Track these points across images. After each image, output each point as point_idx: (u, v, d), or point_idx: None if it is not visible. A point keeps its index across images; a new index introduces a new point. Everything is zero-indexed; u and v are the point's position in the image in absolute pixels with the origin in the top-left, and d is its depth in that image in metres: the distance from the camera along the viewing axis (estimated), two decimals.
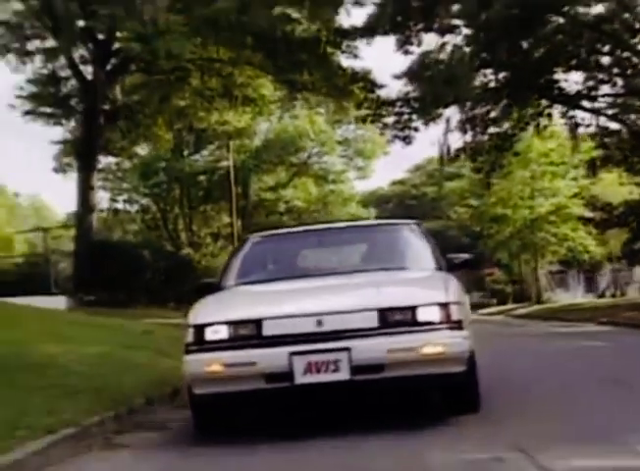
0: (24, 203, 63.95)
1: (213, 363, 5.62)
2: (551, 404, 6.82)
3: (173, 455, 5.68)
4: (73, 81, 29.10)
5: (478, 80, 27.47)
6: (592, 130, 29.58)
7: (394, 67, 51.27)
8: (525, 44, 26.53)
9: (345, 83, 27.65)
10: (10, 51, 27.71)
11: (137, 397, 7.53)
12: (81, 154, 28.44)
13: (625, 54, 26.59)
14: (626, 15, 25.22)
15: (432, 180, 57.00)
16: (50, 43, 27.44)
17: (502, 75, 27.74)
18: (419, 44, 27.09)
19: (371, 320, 5.61)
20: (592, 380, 8.38)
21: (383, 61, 32.28)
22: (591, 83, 27.94)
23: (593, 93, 28.29)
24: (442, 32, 27.17)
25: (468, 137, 29.44)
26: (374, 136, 41.45)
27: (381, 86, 28.09)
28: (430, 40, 27.36)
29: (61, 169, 38.11)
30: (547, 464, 4.49)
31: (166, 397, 8.04)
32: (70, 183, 66.85)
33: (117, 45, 27.62)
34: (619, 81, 27.68)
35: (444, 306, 5.68)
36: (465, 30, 26.79)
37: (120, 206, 45.40)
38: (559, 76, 27.86)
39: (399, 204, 63.21)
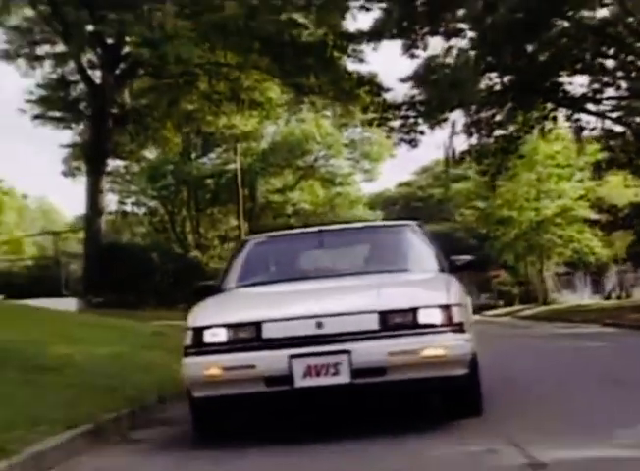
0: (32, 206, 64.15)
1: (212, 366, 5.55)
2: (549, 403, 6.95)
3: (185, 449, 5.89)
4: (82, 86, 29.43)
5: (483, 84, 27.66)
6: (597, 132, 29.77)
7: (400, 70, 51.39)
8: (530, 48, 26.71)
9: (351, 87, 27.87)
10: (20, 56, 28.14)
11: (150, 395, 7.77)
12: (91, 158, 28.72)
13: (630, 57, 26.74)
14: (630, 19, 25.38)
15: (438, 182, 57.07)
16: (59, 48, 27.84)
17: (507, 78, 27.93)
18: (425, 48, 27.33)
19: (372, 322, 5.53)
20: (592, 379, 8.50)
21: (389, 65, 32.59)
22: (596, 86, 28.11)
23: (598, 96, 28.45)
24: (447, 36, 27.38)
25: (474, 140, 29.70)
26: (380, 139, 41.64)
27: (387, 90, 28.33)
28: (436, 44, 27.61)
29: (70, 172, 38.36)
30: (536, 455, 4.71)
31: (176, 396, 8.26)
32: (78, 187, 67.20)
33: (126, 50, 27.93)
34: (624, 84, 27.84)
35: (445, 308, 5.59)
36: (471, 34, 27.02)
37: (128, 209, 45.78)
38: (563, 79, 28.07)
39: (405, 206, 63.30)
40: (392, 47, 44.94)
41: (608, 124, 29.37)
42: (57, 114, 31.08)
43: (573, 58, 27.15)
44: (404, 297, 5.84)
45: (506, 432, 5.49)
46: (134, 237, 46.09)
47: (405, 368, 5.45)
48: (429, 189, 64.24)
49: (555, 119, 29.44)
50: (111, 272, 25.66)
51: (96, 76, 28.26)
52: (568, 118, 29.56)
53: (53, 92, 30.43)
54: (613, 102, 28.82)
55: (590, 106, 29.01)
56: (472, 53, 26.77)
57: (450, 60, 27.27)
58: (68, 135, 44.47)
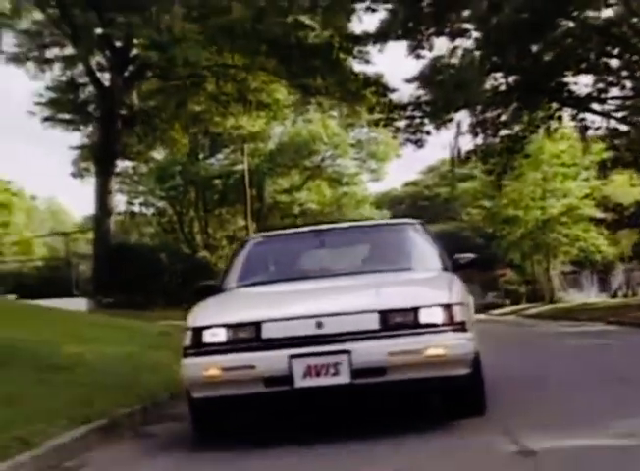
0: (41, 207, 64.49)
1: (211, 367, 5.49)
2: (549, 398, 7.11)
3: (198, 443, 6.11)
4: (90, 88, 29.76)
5: (488, 84, 27.76)
6: (602, 131, 29.89)
7: (406, 71, 51.61)
8: (535, 48, 26.84)
9: (357, 88, 28.07)
10: (29, 59, 28.45)
11: (161, 393, 8.01)
12: (100, 159, 28.99)
13: (634, 57, 26.85)
14: (635, 19, 25.50)
15: (445, 181, 57.23)
16: (68, 51, 28.15)
17: (512, 78, 28.07)
18: (430, 49, 27.42)
19: (372, 322, 5.47)
20: (595, 377, 8.62)
21: (395, 65, 32.74)
22: (600, 86, 28.20)
23: (602, 96, 28.56)
24: (453, 37, 27.52)
25: (479, 140, 29.83)
26: (387, 139, 41.82)
27: (393, 91, 28.50)
28: (441, 44, 27.75)
29: (79, 173, 38.71)
30: (528, 444, 4.92)
31: (184, 393, 8.47)
32: (86, 187, 67.59)
33: (134, 52, 28.20)
34: (629, 84, 27.92)
35: (447, 307, 5.52)
36: (476, 34, 27.16)
37: (136, 209, 46.07)
38: (568, 79, 28.15)
39: (412, 205, 63.47)
40: (397, 48, 45.12)
41: (613, 123, 29.51)
42: (66, 116, 31.41)
43: (578, 58, 27.23)
44: (405, 297, 5.78)
45: (503, 424, 5.64)
46: (143, 238, 46.37)
47: (406, 368, 5.39)
48: (435, 189, 64.40)
49: (560, 118, 29.57)
50: (120, 272, 25.90)
51: (105, 78, 28.58)
52: (573, 117, 29.67)
53: (62, 95, 30.76)
54: (618, 102, 28.93)
55: (595, 106, 29.11)
56: (477, 53, 26.92)
57: (455, 60, 27.41)
58: (77, 137, 44.81)
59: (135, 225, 47.05)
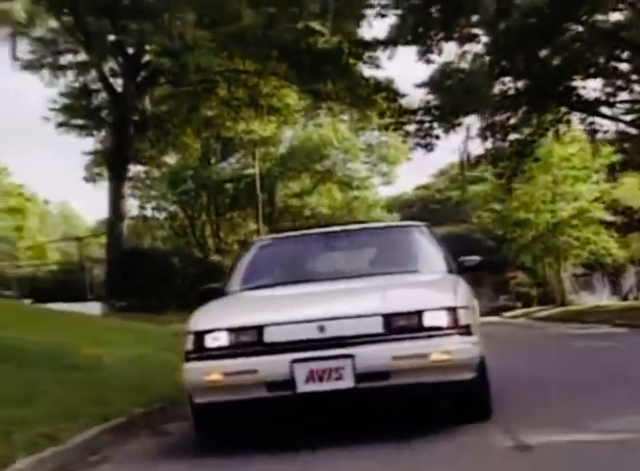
0: (53, 211, 64.89)
1: (213, 372, 5.43)
2: (551, 398, 7.31)
3: (215, 440, 6.34)
4: (103, 94, 30.06)
5: (497, 88, 28.00)
6: (611, 135, 30.04)
7: (415, 76, 51.79)
8: (543, 53, 27.00)
9: (368, 93, 28.31)
10: (44, 66, 28.75)
11: (175, 393, 8.24)
12: (112, 164, 29.28)
13: None
14: None
15: (455, 184, 57.26)
16: (82, 57, 28.43)
17: (521, 82, 28.25)
18: (440, 53, 27.68)
19: (375, 325, 5.39)
20: (600, 378, 8.76)
21: (405, 70, 32.91)
22: (609, 90, 28.36)
23: (611, 100, 28.71)
24: (462, 41, 27.74)
25: (489, 144, 30.04)
26: (397, 143, 41.96)
27: (403, 95, 28.77)
28: (450, 49, 27.97)
29: (91, 178, 39.07)
30: (524, 439, 5.12)
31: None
32: (98, 192, 68.04)
33: (146, 58, 28.51)
34: (637, 88, 28.08)
35: (451, 311, 5.43)
36: (485, 39, 27.36)
37: (149, 213, 46.38)
38: (577, 83, 28.33)
39: (422, 209, 63.53)
40: (407, 53, 45.32)
41: (622, 126, 29.65)
42: (80, 122, 31.76)
43: (587, 62, 27.38)
44: (409, 300, 5.70)
45: (503, 423, 5.79)
46: (155, 242, 46.63)
47: (411, 372, 5.31)
48: (446, 192, 64.42)
49: (569, 122, 29.75)
50: (133, 276, 26.17)
51: (118, 84, 28.86)
52: (582, 121, 29.85)
53: (76, 101, 31.11)
54: (627, 105, 29.06)
55: (604, 109, 29.27)
56: (486, 58, 27.13)
57: (464, 65, 27.63)
58: (90, 143, 45.16)
59: (148, 229, 47.34)
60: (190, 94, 29.98)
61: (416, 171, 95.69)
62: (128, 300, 25.63)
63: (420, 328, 5.38)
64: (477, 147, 30.89)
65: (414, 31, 26.86)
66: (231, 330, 5.51)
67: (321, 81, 27.69)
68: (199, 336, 5.56)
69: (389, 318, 5.41)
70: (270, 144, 42.37)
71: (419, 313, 5.42)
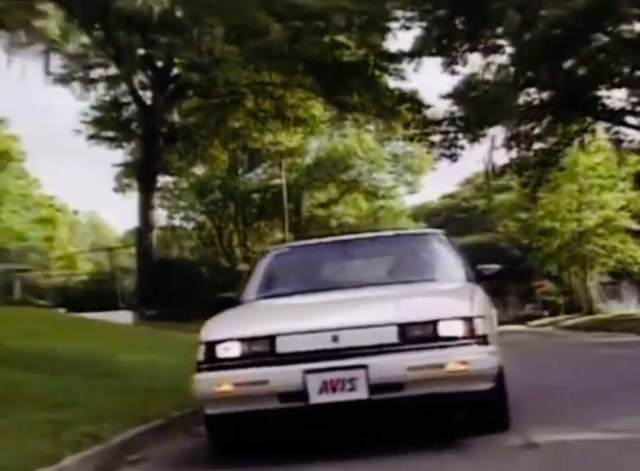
0: (82, 221, 65.73)
1: (224, 382, 5.30)
2: (565, 402, 7.53)
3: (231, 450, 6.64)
4: (133, 106, 30.70)
5: (522, 99, 28.16)
6: (637, 144, 30.06)
7: (440, 87, 51.94)
8: (568, 63, 27.13)
9: (393, 104, 28.66)
10: (75, 80, 29.38)
11: None
12: (142, 176, 29.83)
13: None
14: None
15: (481, 193, 57.34)
16: (112, 71, 29.08)
17: (545, 93, 28.39)
18: (465, 64, 27.92)
19: (390, 335, 5.25)
20: (618, 385, 8.90)
21: (430, 81, 33.16)
22: (634, 99, 28.42)
23: (637, 109, 28.75)
24: (486, 53, 27.96)
25: (514, 154, 30.19)
26: (422, 152, 42.21)
27: (428, 107, 29.05)
28: (475, 60, 28.20)
29: (121, 189, 39.72)
30: (534, 439, 5.35)
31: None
32: (127, 202, 68.87)
33: (175, 71, 29.05)
34: None
35: (468, 320, 5.28)
36: (509, 50, 27.56)
37: (177, 223, 46.97)
38: (602, 92, 28.42)
39: (448, 217, 63.57)
40: (432, 64, 45.58)
41: None
42: (110, 134, 32.41)
43: (612, 72, 27.48)
44: (425, 309, 5.55)
45: (516, 424, 5.93)
46: (183, 251, 47.20)
47: (426, 383, 5.17)
48: (472, 201, 64.45)
49: (594, 132, 29.84)
50: (162, 286, 26.64)
51: (147, 97, 29.47)
52: (607, 130, 29.93)
53: (106, 113, 31.75)
54: None
55: (629, 119, 29.32)
56: (511, 69, 27.32)
57: (489, 76, 27.84)
58: (120, 154, 45.88)
59: (176, 238, 47.91)
60: (218, 106, 30.45)
61: (442, 179, 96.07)
62: (157, 309, 26.07)
63: (436, 338, 5.26)
64: (502, 157, 31.06)
65: (439, 43, 27.11)
66: (242, 340, 5.40)
67: (347, 93, 28.05)
68: (211, 346, 5.44)
69: (404, 328, 5.28)
70: (296, 155, 42.82)
71: (434, 323, 5.29)
